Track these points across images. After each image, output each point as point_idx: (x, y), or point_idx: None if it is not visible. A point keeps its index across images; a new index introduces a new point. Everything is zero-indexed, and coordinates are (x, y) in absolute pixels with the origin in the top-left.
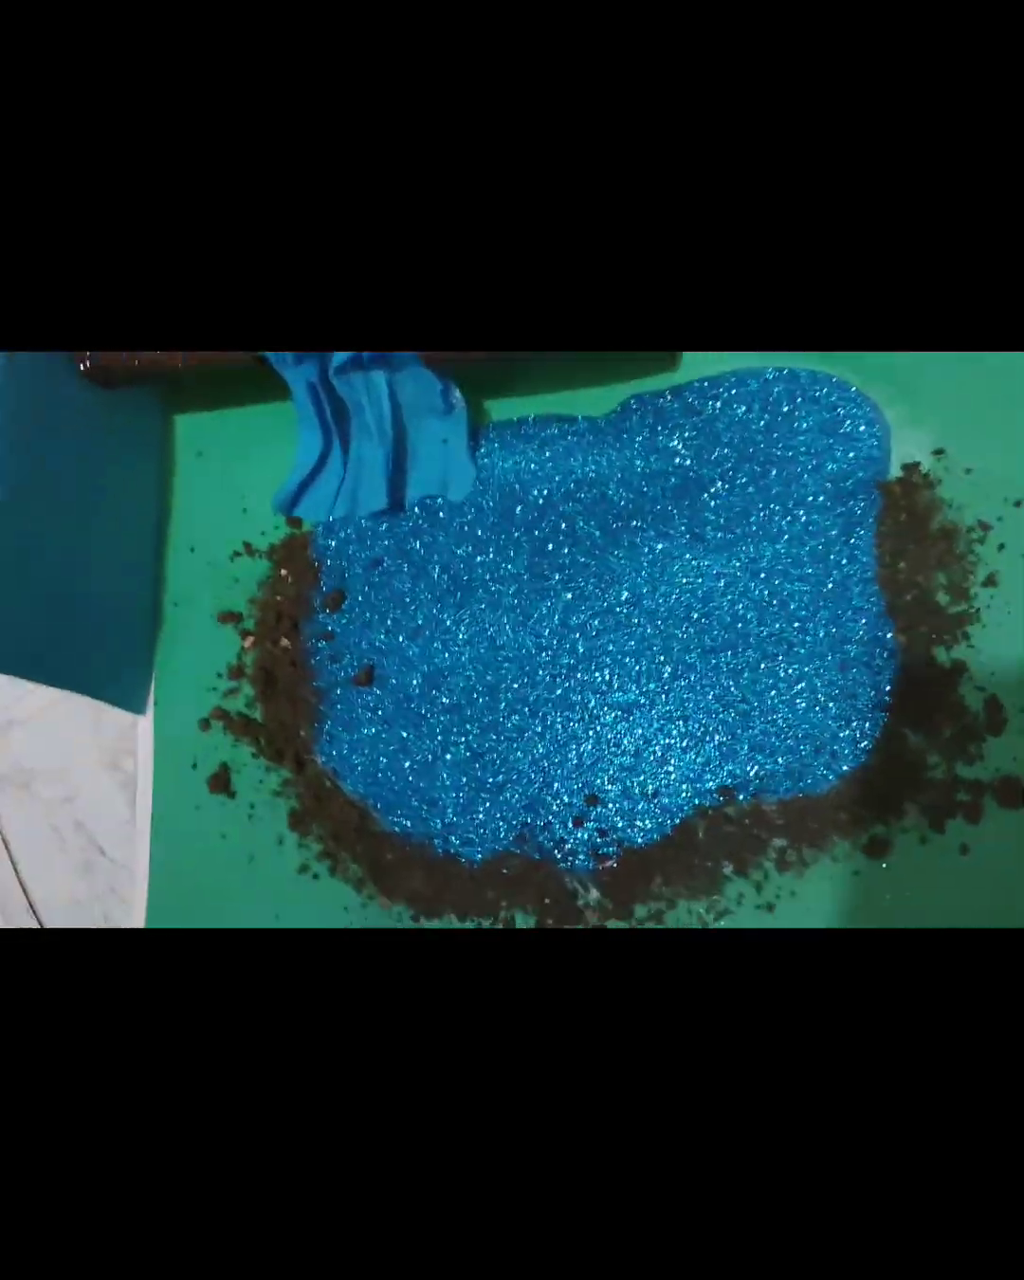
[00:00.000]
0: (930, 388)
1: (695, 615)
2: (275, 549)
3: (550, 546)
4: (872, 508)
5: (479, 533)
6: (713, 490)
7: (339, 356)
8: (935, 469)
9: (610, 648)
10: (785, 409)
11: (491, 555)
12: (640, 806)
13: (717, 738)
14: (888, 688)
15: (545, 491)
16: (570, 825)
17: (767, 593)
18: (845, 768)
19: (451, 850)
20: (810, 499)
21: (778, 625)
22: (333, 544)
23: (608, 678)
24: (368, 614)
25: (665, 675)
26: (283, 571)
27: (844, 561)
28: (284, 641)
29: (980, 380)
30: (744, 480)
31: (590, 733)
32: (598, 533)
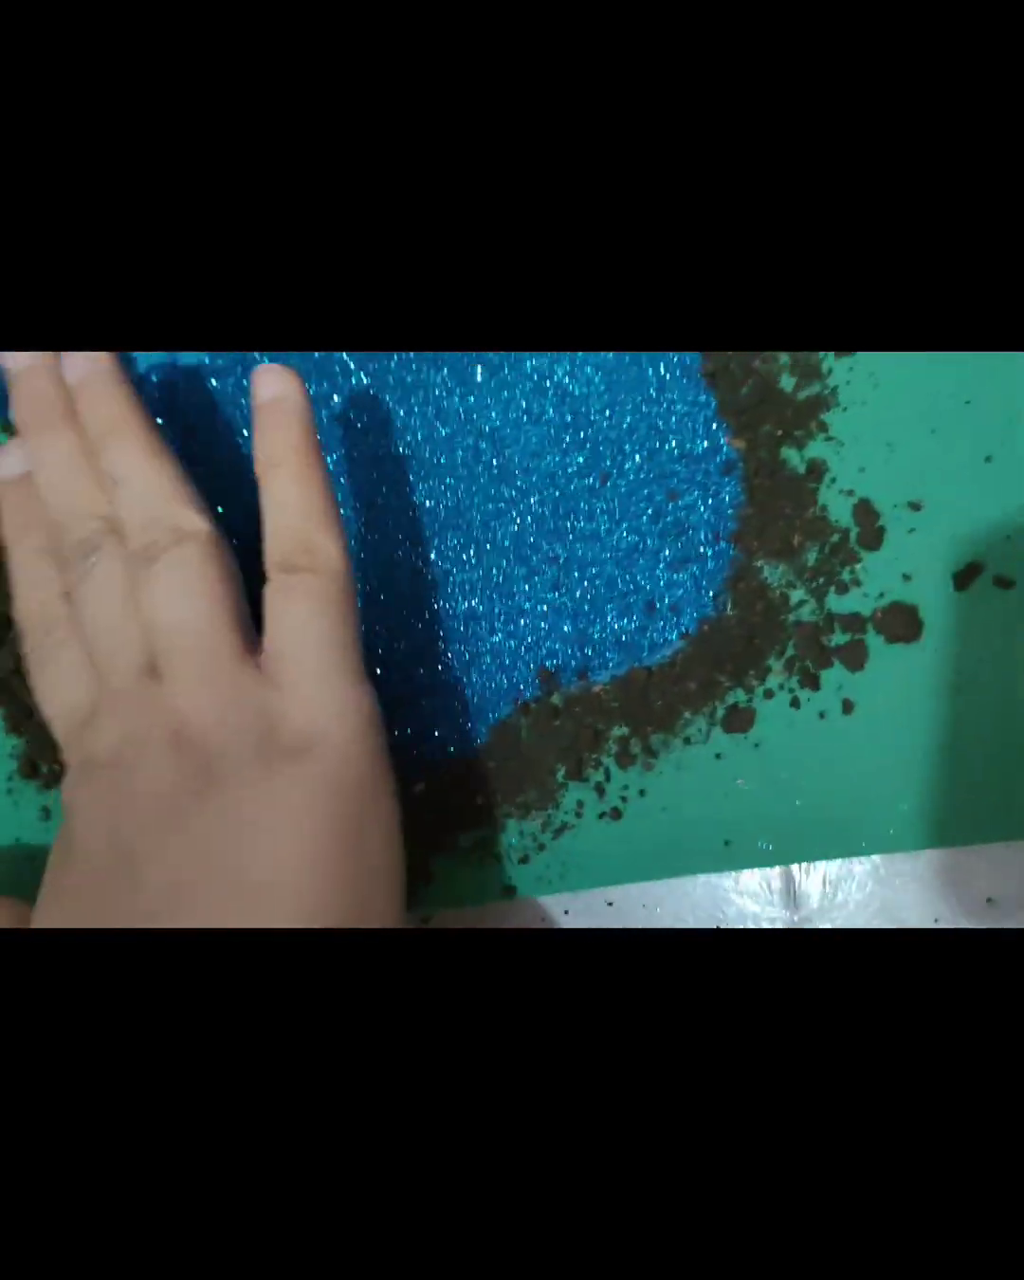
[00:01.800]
0: None
1: (488, 457)
2: None
3: (327, 385)
4: None
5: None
6: None
7: None
8: None
9: (395, 504)
10: None
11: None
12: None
13: (526, 608)
14: (730, 512)
15: None
16: None
17: (567, 414)
18: (688, 625)
19: None
20: None
21: (585, 454)
22: None
23: (398, 543)
24: None
25: (461, 540)
26: None
27: (659, 357)
28: None
29: None
30: None
31: (380, 615)
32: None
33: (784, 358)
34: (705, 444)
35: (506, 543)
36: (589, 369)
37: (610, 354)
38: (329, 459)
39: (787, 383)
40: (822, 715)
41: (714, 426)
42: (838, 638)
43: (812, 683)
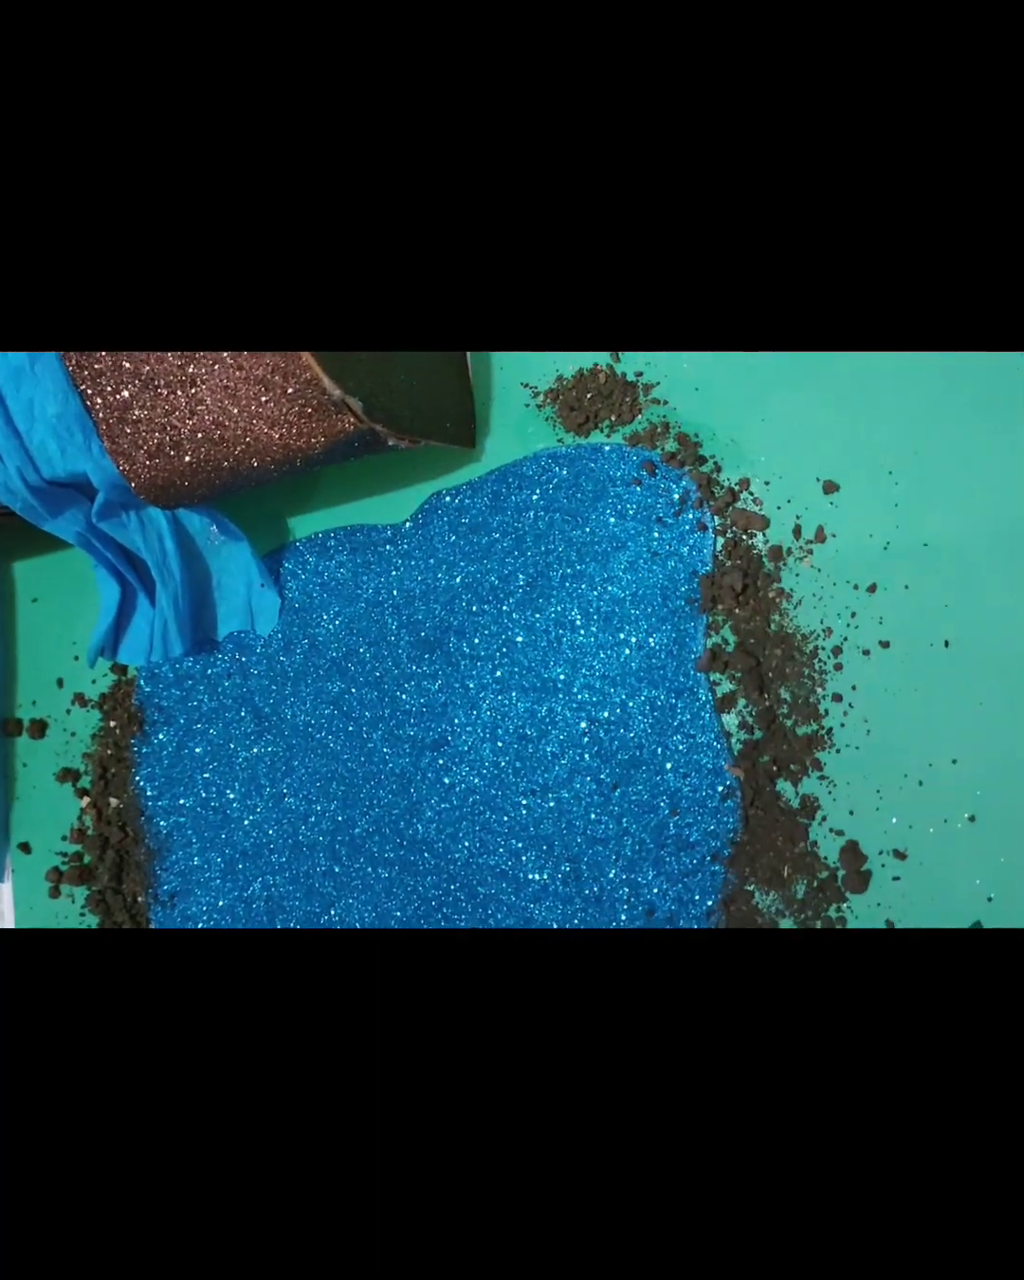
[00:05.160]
0: (762, 445)
1: (512, 754)
2: (105, 698)
3: (360, 681)
4: (699, 608)
5: (288, 669)
6: (520, 600)
7: (97, 504)
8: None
9: (428, 807)
10: (588, 498)
11: (302, 693)
12: None
13: (542, 903)
14: (727, 836)
15: (350, 615)
16: None
17: (585, 721)
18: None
19: None
20: (628, 601)
21: (599, 762)
22: (151, 690)
23: (426, 832)
24: (190, 765)
25: (480, 827)
26: (111, 723)
27: (673, 679)
28: (114, 801)
29: (814, 437)
30: (558, 577)
31: (411, 892)
32: (407, 659)
33: (785, 691)
34: (708, 768)
35: (526, 833)
36: (605, 684)
37: (631, 670)
38: (372, 738)
39: (788, 720)
40: None
41: (719, 748)
42: None
43: None
